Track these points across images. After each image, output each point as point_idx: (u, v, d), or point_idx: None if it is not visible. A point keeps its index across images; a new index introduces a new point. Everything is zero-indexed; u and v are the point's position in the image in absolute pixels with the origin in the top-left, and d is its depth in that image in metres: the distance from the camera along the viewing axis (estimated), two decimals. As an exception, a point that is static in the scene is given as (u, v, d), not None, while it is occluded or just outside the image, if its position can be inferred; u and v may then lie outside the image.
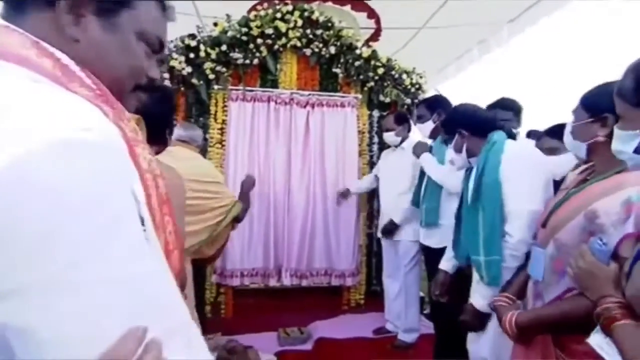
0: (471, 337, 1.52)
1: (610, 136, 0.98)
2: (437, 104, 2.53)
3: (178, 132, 2.09)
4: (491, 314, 1.38)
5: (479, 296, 1.43)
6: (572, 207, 1.06)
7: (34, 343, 0.34)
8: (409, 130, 2.86)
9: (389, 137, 2.82)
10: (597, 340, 0.86)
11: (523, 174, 1.36)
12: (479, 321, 1.42)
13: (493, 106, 2.13)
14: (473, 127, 1.55)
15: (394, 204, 2.74)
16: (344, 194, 3.22)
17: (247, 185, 2.29)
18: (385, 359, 2.59)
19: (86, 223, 0.36)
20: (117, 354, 0.35)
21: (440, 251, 1.92)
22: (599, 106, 1.05)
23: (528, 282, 1.22)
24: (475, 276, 1.51)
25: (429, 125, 2.52)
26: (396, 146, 2.84)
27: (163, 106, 1.20)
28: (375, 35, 4.02)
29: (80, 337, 0.35)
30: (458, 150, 1.58)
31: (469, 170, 1.62)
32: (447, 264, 1.79)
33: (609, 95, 0.99)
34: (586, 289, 0.93)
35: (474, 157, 1.55)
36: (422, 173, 2.47)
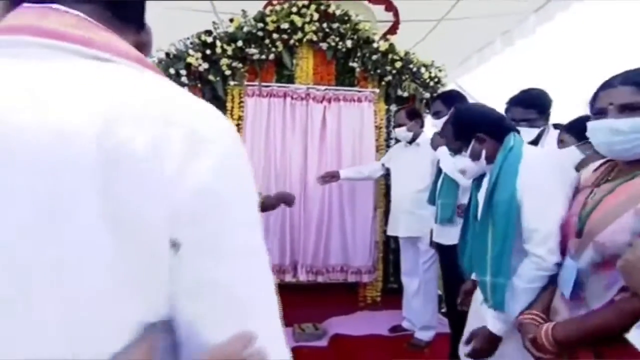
0: None
1: None
2: (452, 98, 2.45)
3: None
4: (501, 337, 1.26)
5: (496, 319, 1.26)
6: (613, 206, 0.97)
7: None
8: (421, 126, 2.79)
9: (401, 132, 2.75)
10: (637, 336, 0.80)
11: (547, 187, 1.19)
12: (493, 347, 1.27)
13: (513, 102, 1.90)
14: (492, 129, 1.35)
15: (412, 201, 2.70)
16: (332, 176, 2.98)
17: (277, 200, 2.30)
18: (401, 357, 2.55)
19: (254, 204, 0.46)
20: (226, 352, 0.39)
21: (454, 248, 1.86)
22: None
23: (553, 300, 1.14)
24: (479, 297, 1.40)
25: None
26: (410, 142, 2.77)
27: None
28: (393, 28, 3.94)
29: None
30: (476, 157, 1.37)
31: (477, 179, 1.46)
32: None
33: None
34: (633, 284, 0.84)
35: (490, 165, 1.38)
36: (439, 170, 2.41)
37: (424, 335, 2.70)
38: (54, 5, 0.44)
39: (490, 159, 1.37)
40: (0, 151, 0.36)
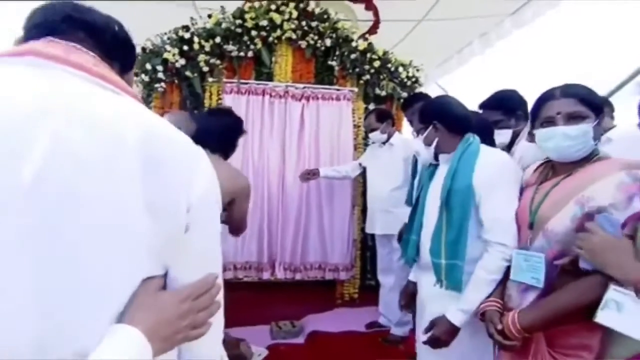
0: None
1: None
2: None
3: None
4: (460, 328, 1.30)
5: (457, 310, 1.30)
6: (558, 198, 1.08)
7: None
8: (393, 125, 2.83)
9: (375, 135, 2.78)
10: (608, 317, 0.86)
11: (503, 182, 1.29)
12: (452, 336, 1.32)
13: (481, 106, 1.94)
14: (450, 122, 1.44)
15: (387, 200, 2.74)
16: (312, 174, 3.00)
17: None
18: (377, 353, 2.59)
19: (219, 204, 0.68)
20: (199, 289, 0.61)
21: None
22: (600, 106, 1.11)
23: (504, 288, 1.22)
24: (432, 287, 1.42)
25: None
26: (383, 142, 2.81)
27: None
28: (374, 28, 3.95)
29: None
30: (428, 143, 1.48)
31: (431, 167, 1.54)
32: (414, 274, 1.65)
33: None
34: (605, 265, 0.91)
35: (442, 154, 1.48)
36: (414, 170, 2.44)
37: (400, 331, 2.74)
38: (77, 45, 0.60)
39: (440, 149, 1.47)
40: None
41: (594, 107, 1.08)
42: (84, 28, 0.62)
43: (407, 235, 1.57)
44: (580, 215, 1.01)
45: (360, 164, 3.03)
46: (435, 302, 1.41)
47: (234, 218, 1.84)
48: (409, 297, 1.65)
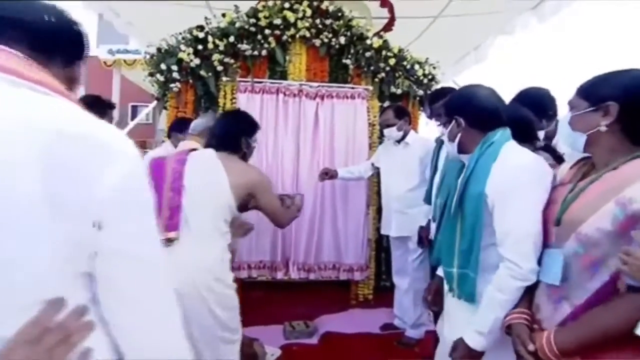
0: None
1: (610, 126, 0.97)
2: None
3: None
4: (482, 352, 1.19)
5: (475, 332, 1.18)
6: (593, 198, 0.97)
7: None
8: (409, 123, 2.77)
9: (392, 132, 2.70)
10: None
11: (520, 191, 1.13)
12: (475, 357, 1.20)
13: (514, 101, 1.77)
14: (471, 116, 1.27)
15: (402, 201, 2.69)
16: (329, 175, 2.93)
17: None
18: (392, 355, 2.55)
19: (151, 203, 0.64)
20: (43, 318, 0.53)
21: None
22: (600, 94, 1.01)
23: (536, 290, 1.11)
24: (452, 301, 1.34)
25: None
26: (398, 141, 2.74)
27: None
28: (389, 25, 3.90)
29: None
30: (451, 139, 1.33)
31: (459, 172, 1.38)
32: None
33: (611, 84, 0.96)
34: None
35: (463, 155, 1.33)
36: (434, 168, 2.38)
37: (415, 333, 2.70)
38: (2, 47, 0.57)
39: (461, 147, 1.32)
40: None
41: (588, 96, 1.03)
42: (11, 26, 0.59)
43: (435, 237, 1.48)
44: (622, 218, 0.90)
45: (372, 164, 2.97)
46: (458, 310, 1.32)
47: (267, 212, 1.86)
48: (434, 294, 1.54)
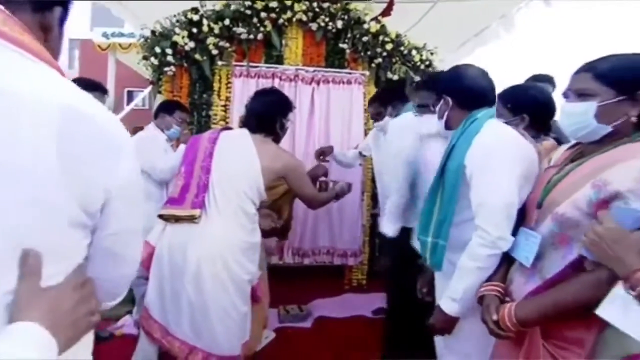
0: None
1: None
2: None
3: None
4: (457, 318, 1.25)
5: (449, 299, 1.25)
6: (574, 180, 0.99)
7: None
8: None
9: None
10: (610, 312, 0.80)
11: (496, 163, 1.17)
12: (449, 325, 1.27)
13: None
14: (458, 95, 1.33)
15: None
16: (325, 155, 2.86)
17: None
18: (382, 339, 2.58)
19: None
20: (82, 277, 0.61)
21: None
22: (630, 82, 0.94)
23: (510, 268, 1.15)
24: (438, 275, 1.40)
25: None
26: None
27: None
28: (388, 10, 3.84)
29: None
30: (440, 116, 1.39)
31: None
32: None
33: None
34: (609, 259, 0.84)
35: (450, 130, 1.39)
36: None
37: (407, 318, 2.73)
38: None
39: (448, 125, 1.38)
40: None
41: (615, 84, 0.96)
42: None
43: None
44: (595, 200, 0.92)
45: (360, 153, 2.91)
46: (437, 279, 1.39)
47: (298, 195, 1.93)
48: (428, 284, 1.57)
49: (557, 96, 1.84)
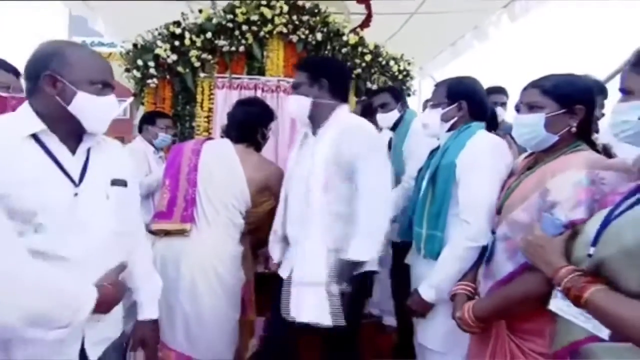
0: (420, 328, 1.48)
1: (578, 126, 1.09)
2: (401, 94, 2.52)
3: None
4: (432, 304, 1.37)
5: (427, 286, 1.37)
6: (526, 188, 1.12)
7: None
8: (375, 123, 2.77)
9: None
10: (557, 304, 0.90)
11: (485, 164, 1.30)
12: (424, 309, 1.40)
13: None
14: (475, 106, 1.44)
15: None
16: None
17: None
18: (369, 342, 2.62)
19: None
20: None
21: None
22: (571, 97, 1.10)
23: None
24: (418, 260, 1.49)
25: (394, 115, 2.46)
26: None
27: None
28: (366, 22, 3.96)
29: None
30: (446, 119, 1.46)
31: (434, 150, 1.56)
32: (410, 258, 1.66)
33: (577, 87, 1.10)
34: (535, 261, 0.96)
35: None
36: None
37: (392, 320, 2.78)
38: None
39: (452, 129, 1.47)
40: None
41: (559, 98, 1.10)
42: None
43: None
44: (543, 207, 1.04)
45: None
46: (424, 268, 1.45)
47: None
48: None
49: (512, 103, 2.09)
